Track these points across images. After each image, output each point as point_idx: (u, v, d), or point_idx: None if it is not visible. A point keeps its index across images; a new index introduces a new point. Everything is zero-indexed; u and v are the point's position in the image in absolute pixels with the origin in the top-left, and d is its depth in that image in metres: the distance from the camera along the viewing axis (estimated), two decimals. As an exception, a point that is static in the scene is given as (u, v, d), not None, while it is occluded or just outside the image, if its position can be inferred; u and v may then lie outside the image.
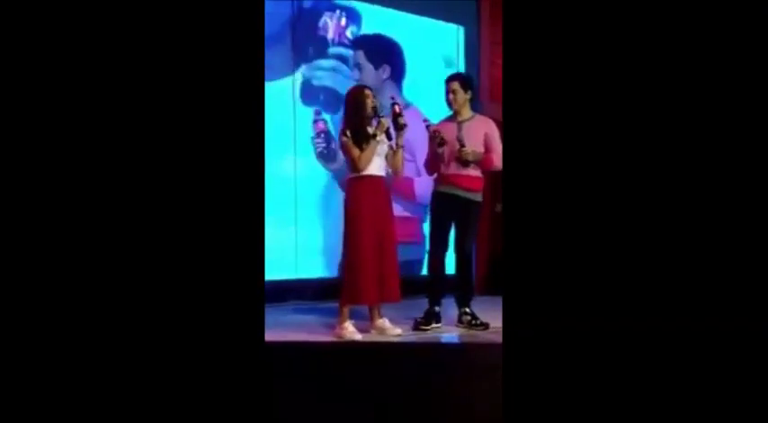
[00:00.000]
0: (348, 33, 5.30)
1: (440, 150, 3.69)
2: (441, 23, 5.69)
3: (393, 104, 3.57)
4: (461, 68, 5.67)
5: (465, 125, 3.76)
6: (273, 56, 4.69)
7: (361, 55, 5.28)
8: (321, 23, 5.15)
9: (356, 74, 5.24)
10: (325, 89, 5.07)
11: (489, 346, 3.12)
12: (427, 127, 3.75)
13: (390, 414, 2.07)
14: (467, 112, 3.83)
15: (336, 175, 5.05)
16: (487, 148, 3.75)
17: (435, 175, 3.87)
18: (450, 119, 3.83)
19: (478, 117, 3.91)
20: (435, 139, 3.68)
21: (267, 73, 4.75)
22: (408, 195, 5.29)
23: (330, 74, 5.11)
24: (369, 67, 5.29)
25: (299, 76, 4.97)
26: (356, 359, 2.63)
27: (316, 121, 5.03)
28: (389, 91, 5.21)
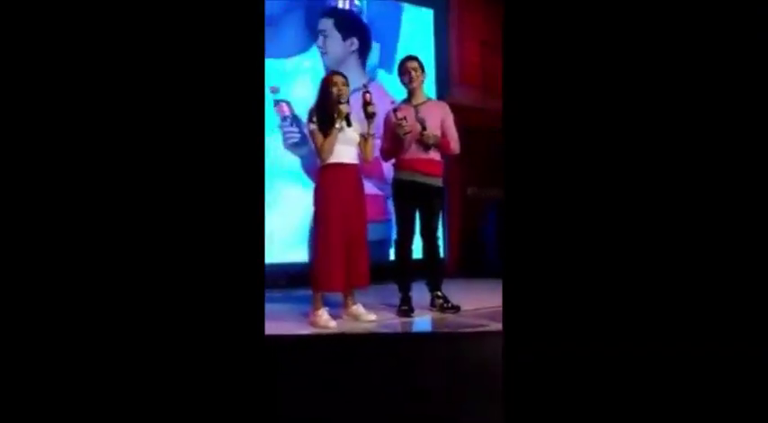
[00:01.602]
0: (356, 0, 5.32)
1: (404, 136, 3.65)
2: (411, 7, 5.65)
3: (364, 93, 3.52)
4: (431, 51, 5.66)
5: (421, 108, 3.72)
6: (287, 32, 4.84)
7: (329, 23, 5.19)
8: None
9: (320, 41, 5.13)
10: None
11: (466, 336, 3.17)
12: (394, 111, 3.70)
13: (377, 401, 2.08)
14: (421, 96, 3.81)
15: (304, 161, 4.99)
16: (443, 133, 3.76)
17: (393, 160, 3.84)
18: (406, 102, 3.81)
19: (433, 101, 3.92)
20: (401, 127, 3.61)
21: (283, 50, 4.85)
22: (378, 175, 5.23)
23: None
24: (336, 36, 5.21)
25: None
26: (336, 349, 2.63)
27: (277, 103, 4.83)
28: (354, 64, 5.22)
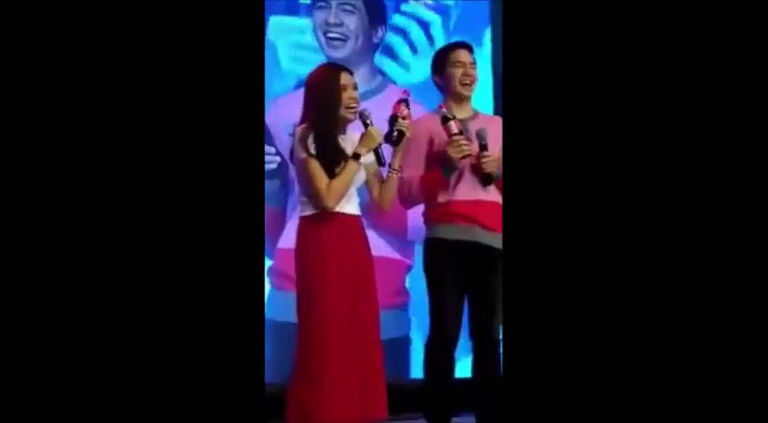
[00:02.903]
0: None
1: (459, 163, 2.27)
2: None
3: (401, 100, 2.24)
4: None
5: (470, 124, 2.36)
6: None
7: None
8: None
9: (333, 17, 3.37)
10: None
11: None
12: (445, 121, 2.29)
13: None
14: (468, 108, 2.42)
15: (271, 200, 3.09)
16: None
17: (425, 206, 2.39)
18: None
19: (482, 115, 2.51)
20: (460, 147, 2.25)
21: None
22: (397, 228, 3.26)
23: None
24: (364, 17, 3.45)
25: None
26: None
27: None
28: (367, 63, 3.45)
